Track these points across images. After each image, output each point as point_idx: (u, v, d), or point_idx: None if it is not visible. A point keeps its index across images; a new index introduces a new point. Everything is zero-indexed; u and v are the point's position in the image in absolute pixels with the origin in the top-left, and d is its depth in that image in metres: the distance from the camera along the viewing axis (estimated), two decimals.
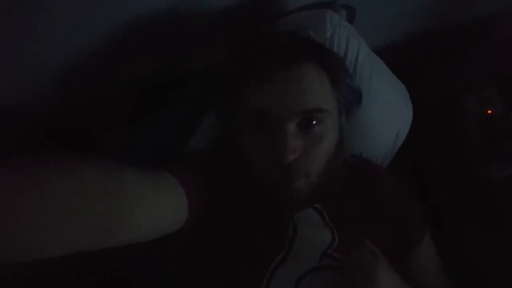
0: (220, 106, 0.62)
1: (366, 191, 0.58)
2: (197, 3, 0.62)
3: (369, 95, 0.66)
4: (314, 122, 0.49)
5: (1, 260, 0.29)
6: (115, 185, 0.36)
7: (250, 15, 0.69)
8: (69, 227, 0.32)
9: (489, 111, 0.74)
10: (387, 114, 0.71)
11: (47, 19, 0.49)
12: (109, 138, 0.66)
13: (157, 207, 0.42)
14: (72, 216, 0.32)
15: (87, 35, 0.55)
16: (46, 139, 0.63)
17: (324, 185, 0.53)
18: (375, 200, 0.57)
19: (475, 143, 0.74)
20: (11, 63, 0.50)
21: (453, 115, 0.79)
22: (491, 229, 0.69)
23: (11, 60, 0.50)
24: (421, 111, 0.75)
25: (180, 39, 0.67)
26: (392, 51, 0.80)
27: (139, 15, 0.57)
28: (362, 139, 0.70)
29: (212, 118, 0.67)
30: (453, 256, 0.61)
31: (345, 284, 0.45)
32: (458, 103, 0.78)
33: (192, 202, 0.47)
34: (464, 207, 0.72)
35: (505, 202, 0.69)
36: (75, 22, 0.51)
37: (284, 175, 0.49)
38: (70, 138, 0.64)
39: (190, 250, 0.54)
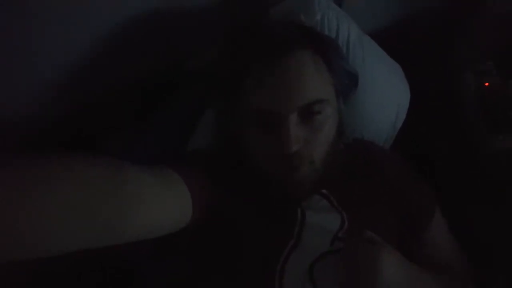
0: (219, 104, 0.62)
1: (370, 173, 0.58)
2: (189, 1, 0.63)
3: (364, 77, 0.66)
4: (314, 111, 0.50)
5: (4, 258, 0.29)
6: (117, 183, 0.36)
7: (242, 8, 0.70)
8: (71, 224, 0.32)
9: (486, 84, 0.74)
10: (384, 95, 0.71)
11: (47, 23, 0.50)
12: (111, 139, 0.66)
13: (160, 205, 0.42)
14: (75, 213, 0.32)
15: (86, 38, 0.57)
16: (50, 141, 0.64)
17: (327, 170, 0.53)
18: (380, 181, 0.57)
19: (475, 117, 0.74)
20: (12, 66, 0.51)
21: (451, 92, 0.78)
22: (497, 203, 0.68)
23: (12, 63, 0.51)
24: (418, 91, 0.75)
25: (179, 38, 0.69)
26: (384, 35, 0.80)
27: (137, 16, 0.59)
28: (361, 122, 0.70)
29: (212, 116, 0.67)
30: (460, 234, 0.60)
31: (347, 274, 0.44)
32: (455, 80, 0.78)
33: (196, 200, 0.47)
34: (468, 183, 0.72)
35: (510, 175, 0.68)
36: (74, 25, 0.53)
37: (289, 164, 0.49)
38: (73, 140, 0.64)
39: (197, 247, 0.53)
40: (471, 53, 0.81)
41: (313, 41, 0.53)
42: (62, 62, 0.57)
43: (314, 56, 0.51)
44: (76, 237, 0.33)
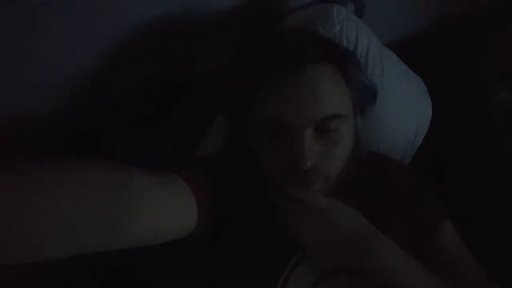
0: (230, 110, 0.62)
1: (381, 185, 0.57)
2: (202, 4, 0.64)
3: (383, 91, 0.65)
4: (331, 127, 0.49)
5: (8, 261, 0.30)
6: (120, 187, 0.36)
7: (256, 14, 0.70)
8: (74, 228, 0.33)
9: None
10: (404, 110, 0.69)
11: (57, 30, 0.51)
12: (120, 143, 0.68)
13: (164, 210, 0.42)
14: (78, 217, 0.32)
15: (97, 41, 0.57)
16: (59, 143, 0.66)
17: (340, 183, 0.53)
18: (390, 193, 0.56)
19: (503, 137, 0.70)
20: (22, 68, 0.52)
21: (479, 108, 0.75)
22: None
23: (23, 65, 0.52)
24: (443, 105, 0.73)
25: (188, 42, 0.69)
26: (407, 43, 0.78)
27: (147, 20, 0.59)
28: (379, 136, 0.69)
29: (223, 121, 0.67)
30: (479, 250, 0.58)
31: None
32: (483, 94, 0.74)
33: (201, 206, 0.48)
34: (492, 206, 0.69)
35: None
36: (84, 31, 0.53)
37: (303, 179, 0.49)
38: (82, 142, 0.66)
39: (203, 255, 0.54)
40: (504, 66, 0.77)
41: (331, 54, 0.52)
42: (73, 65, 0.58)
43: (332, 69, 0.50)
44: (79, 240, 0.34)
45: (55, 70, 0.56)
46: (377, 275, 0.46)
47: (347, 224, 0.48)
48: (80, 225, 0.33)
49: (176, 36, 0.66)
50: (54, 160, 0.33)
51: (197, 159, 0.65)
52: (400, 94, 0.68)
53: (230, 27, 0.70)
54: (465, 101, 0.77)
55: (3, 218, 0.28)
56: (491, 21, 0.81)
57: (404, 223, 0.55)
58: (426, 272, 0.48)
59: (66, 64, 0.57)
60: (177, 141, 0.69)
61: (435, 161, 0.77)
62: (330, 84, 0.49)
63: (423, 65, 0.72)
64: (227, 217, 0.52)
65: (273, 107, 0.49)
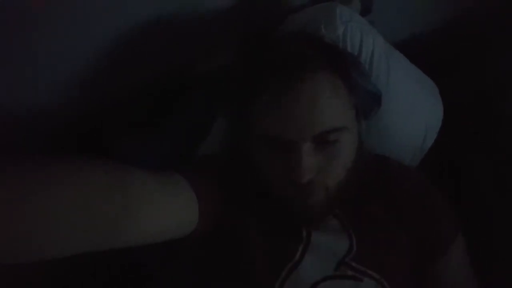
0: (230, 116, 0.62)
1: (386, 190, 0.57)
2: (202, 4, 0.64)
3: (388, 94, 0.64)
4: (330, 139, 0.49)
5: (8, 261, 0.31)
6: (120, 186, 0.37)
7: (256, 14, 0.70)
8: (74, 228, 0.33)
9: None
10: (411, 113, 0.68)
11: (57, 29, 0.52)
12: (121, 143, 0.68)
13: (164, 209, 0.43)
14: (78, 217, 0.33)
15: (97, 43, 0.58)
16: (59, 146, 0.67)
17: (342, 191, 0.52)
18: (396, 199, 0.56)
19: None
20: (23, 71, 0.53)
21: (495, 111, 0.72)
22: None
23: (23, 68, 0.53)
24: (456, 107, 0.71)
25: (188, 42, 0.69)
26: (417, 44, 0.77)
27: (147, 20, 0.60)
28: (386, 140, 0.68)
29: (224, 123, 0.68)
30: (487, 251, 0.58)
31: None
32: (501, 95, 0.72)
33: (203, 206, 0.48)
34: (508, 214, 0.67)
35: None
36: (84, 30, 0.54)
37: (301, 191, 0.49)
38: (84, 141, 0.67)
39: (202, 255, 0.55)
40: None
41: (333, 61, 0.51)
42: (73, 65, 0.59)
43: (333, 78, 0.50)
44: (79, 240, 0.34)
45: (55, 70, 0.57)
46: None
47: None
48: (80, 225, 0.33)
49: (176, 36, 0.66)
50: (54, 160, 0.33)
51: (200, 158, 0.66)
52: (407, 96, 0.67)
53: (230, 27, 0.70)
54: (479, 102, 0.74)
55: (3, 218, 0.29)
56: (505, 21, 0.79)
57: (408, 230, 0.54)
58: None
59: (66, 64, 0.58)
60: (177, 141, 0.70)
61: (445, 164, 0.75)
62: (329, 95, 0.49)
63: (435, 66, 0.71)
64: (228, 216, 0.52)
65: (269, 123, 0.49)
